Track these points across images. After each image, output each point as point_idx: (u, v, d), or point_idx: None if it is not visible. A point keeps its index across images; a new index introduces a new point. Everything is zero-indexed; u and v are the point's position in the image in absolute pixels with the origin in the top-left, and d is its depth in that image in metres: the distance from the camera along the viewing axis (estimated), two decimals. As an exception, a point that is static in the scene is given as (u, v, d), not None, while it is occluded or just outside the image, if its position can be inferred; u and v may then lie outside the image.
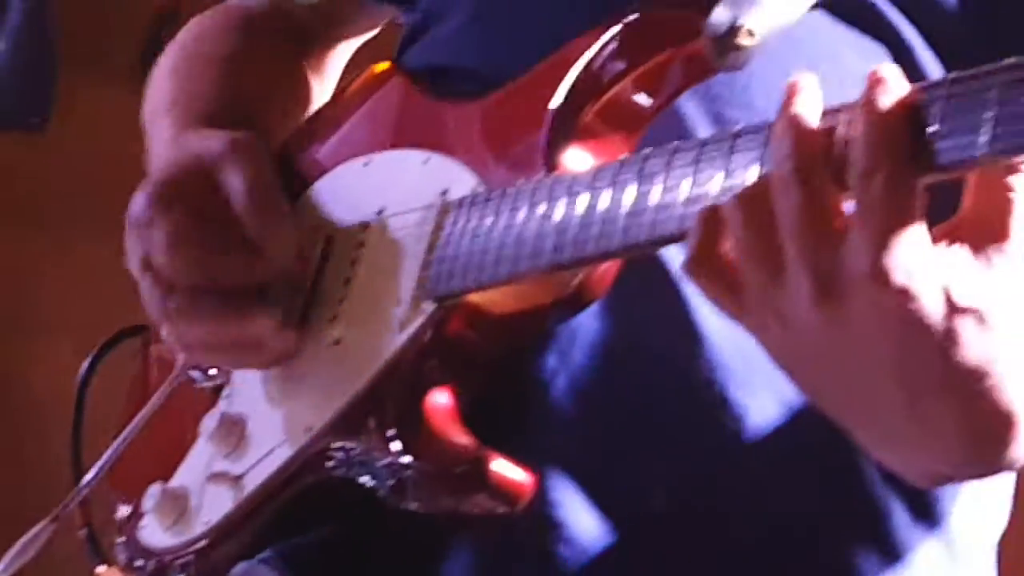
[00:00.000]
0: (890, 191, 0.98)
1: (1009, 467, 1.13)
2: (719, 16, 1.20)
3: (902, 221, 0.99)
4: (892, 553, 1.31)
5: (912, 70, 1.28)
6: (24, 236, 3.32)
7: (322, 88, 1.64)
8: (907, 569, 1.30)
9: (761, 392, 1.27)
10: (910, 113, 0.99)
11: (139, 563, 1.44)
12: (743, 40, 1.20)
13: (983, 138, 0.96)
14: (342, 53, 1.68)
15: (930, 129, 0.98)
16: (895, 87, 0.99)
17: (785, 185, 1.02)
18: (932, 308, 1.00)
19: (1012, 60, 0.96)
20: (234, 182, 1.36)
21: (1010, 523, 1.38)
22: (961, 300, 1.01)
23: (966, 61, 1.22)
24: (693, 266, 1.07)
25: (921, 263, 1.00)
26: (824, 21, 1.31)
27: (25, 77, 3.44)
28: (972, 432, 1.07)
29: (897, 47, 1.33)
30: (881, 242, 0.99)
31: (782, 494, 1.31)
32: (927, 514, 1.31)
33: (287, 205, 1.39)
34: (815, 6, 1.26)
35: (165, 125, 1.48)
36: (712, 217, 1.06)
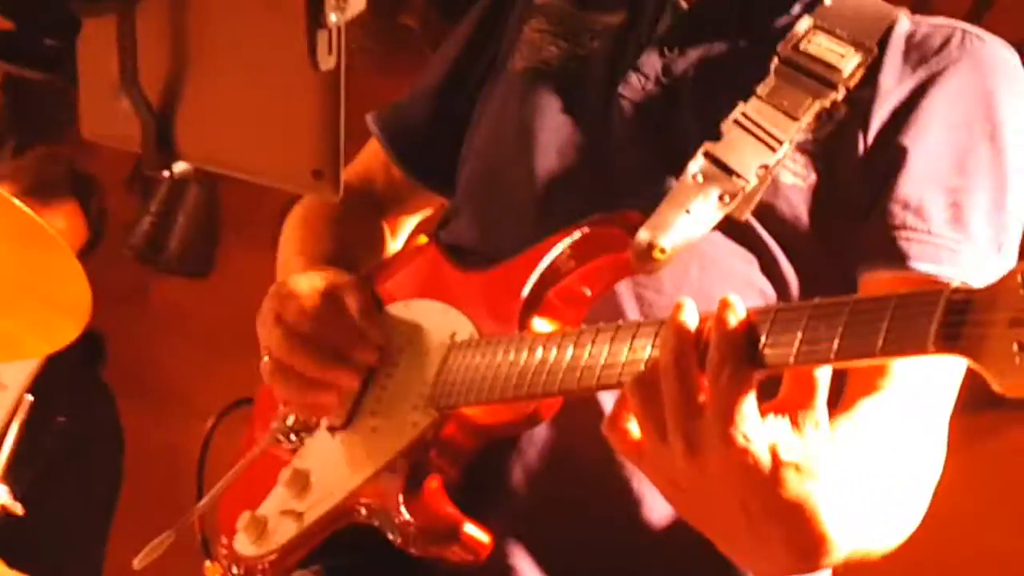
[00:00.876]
0: (732, 382, 1.19)
1: (827, 568, 1.33)
2: (641, 236, 1.43)
3: (741, 403, 1.19)
4: None
5: (776, 274, 1.51)
6: (193, 351, 3.95)
7: (393, 244, 1.91)
8: None
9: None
10: (747, 330, 1.20)
11: (234, 570, 1.62)
12: (657, 255, 1.42)
13: (794, 351, 1.17)
14: (408, 221, 1.96)
15: (761, 342, 1.20)
16: (739, 310, 1.20)
17: (667, 371, 1.22)
18: (763, 462, 1.20)
19: (817, 300, 1.18)
20: (353, 301, 1.61)
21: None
22: (784, 455, 1.20)
23: (813, 266, 1.47)
24: (608, 431, 1.28)
25: (754, 431, 1.20)
26: (716, 235, 1.49)
27: (197, 240, 3.97)
28: (795, 548, 1.27)
29: (765, 256, 1.52)
30: (727, 417, 1.19)
31: (673, 565, 1.50)
32: None
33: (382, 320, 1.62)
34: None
35: (296, 261, 1.75)
36: (621, 397, 1.26)
